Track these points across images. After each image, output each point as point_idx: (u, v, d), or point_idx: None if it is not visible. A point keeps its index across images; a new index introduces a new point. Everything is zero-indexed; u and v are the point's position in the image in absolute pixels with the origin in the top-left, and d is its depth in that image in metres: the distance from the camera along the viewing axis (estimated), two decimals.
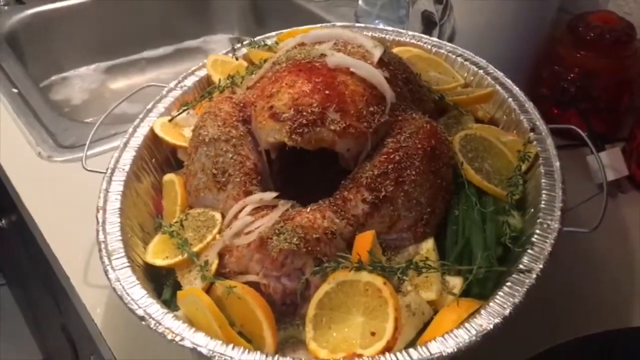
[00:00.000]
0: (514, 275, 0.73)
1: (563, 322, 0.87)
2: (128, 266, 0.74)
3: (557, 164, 0.89)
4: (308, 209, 0.78)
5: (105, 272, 0.74)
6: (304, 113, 0.79)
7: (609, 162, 1.07)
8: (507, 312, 0.68)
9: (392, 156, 0.81)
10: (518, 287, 0.71)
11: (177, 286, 0.78)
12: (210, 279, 0.74)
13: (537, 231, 0.78)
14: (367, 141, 0.82)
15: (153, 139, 0.96)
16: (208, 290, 0.75)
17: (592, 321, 0.87)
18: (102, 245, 0.76)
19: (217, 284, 0.73)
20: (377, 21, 1.59)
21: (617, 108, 1.19)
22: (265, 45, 1.13)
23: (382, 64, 0.88)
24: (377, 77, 0.84)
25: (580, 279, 0.94)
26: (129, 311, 0.69)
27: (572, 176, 0.97)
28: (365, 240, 0.75)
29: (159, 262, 0.79)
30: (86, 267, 0.94)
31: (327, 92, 0.80)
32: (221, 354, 0.64)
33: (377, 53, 0.88)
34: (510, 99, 1.02)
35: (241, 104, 0.89)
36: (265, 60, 0.98)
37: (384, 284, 0.70)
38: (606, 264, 0.96)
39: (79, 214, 0.90)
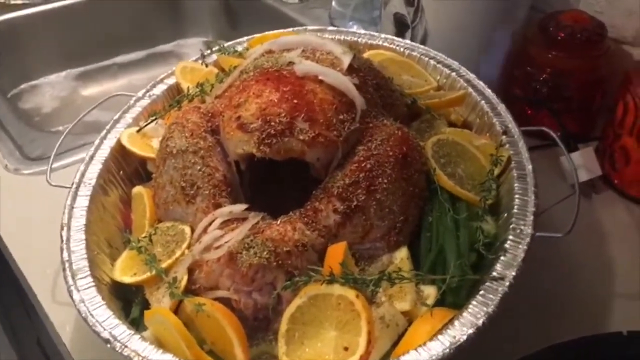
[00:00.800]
0: (487, 284, 0.72)
1: (538, 330, 0.86)
2: (93, 285, 0.72)
3: (530, 167, 0.88)
4: (279, 222, 0.77)
5: (69, 292, 0.71)
6: (272, 123, 0.77)
7: (583, 162, 1.07)
8: (480, 322, 0.67)
9: (363, 164, 0.79)
10: (491, 296, 0.70)
11: (146, 303, 0.76)
12: (178, 296, 0.72)
13: (510, 237, 0.78)
14: (338, 150, 0.80)
15: (120, 150, 0.94)
16: (177, 307, 0.73)
17: (567, 328, 0.86)
18: (67, 265, 0.74)
19: (186, 302, 0.71)
20: (350, 22, 1.58)
21: (590, 107, 1.19)
22: (236, 51, 1.11)
23: (351, 70, 0.87)
24: (346, 84, 0.82)
25: (555, 284, 0.93)
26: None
27: (546, 177, 0.97)
28: (337, 252, 0.74)
29: (127, 279, 0.77)
30: (54, 284, 0.91)
31: (295, 101, 0.79)
32: None
33: (346, 60, 0.87)
34: (482, 102, 1.02)
35: (209, 114, 0.87)
36: (235, 67, 0.96)
37: (356, 296, 0.69)
38: (581, 267, 0.96)
39: (46, 229, 0.88)
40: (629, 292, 0.93)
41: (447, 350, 0.65)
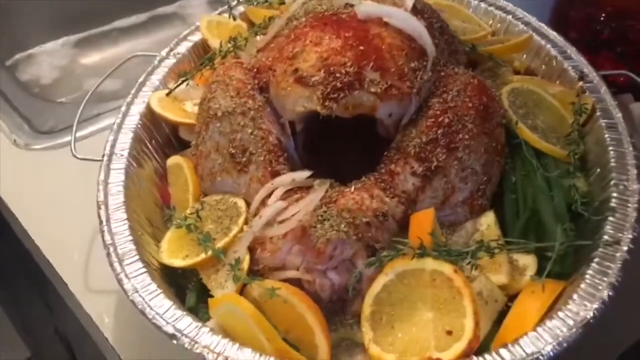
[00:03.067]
0: (600, 250, 0.62)
1: None
2: (145, 272, 0.62)
3: (619, 114, 0.79)
4: (352, 189, 0.66)
5: (119, 280, 0.61)
6: (337, 75, 0.66)
7: None
8: (604, 294, 0.58)
9: (440, 119, 0.69)
10: (609, 263, 0.61)
11: (203, 289, 0.66)
12: (245, 280, 0.62)
13: (614, 194, 0.68)
14: (411, 103, 0.70)
15: (151, 117, 0.83)
16: (241, 292, 0.63)
17: None
18: (111, 249, 0.64)
19: (254, 285, 0.61)
20: None
21: None
22: (266, 1, 0.99)
23: (415, 11, 0.76)
24: (416, 26, 0.71)
25: None
26: (148, 322, 0.58)
27: None
28: (424, 220, 0.64)
29: (178, 262, 0.67)
30: (85, 270, 0.81)
31: (361, 47, 0.68)
32: None
33: None
34: (548, 45, 0.92)
35: (255, 70, 0.75)
36: (270, 19, 0.85)
37: (454, 271, 0.60)
38: None
39: (69, 209, 0.78)
40: None
41: (573, 329, 0.55)
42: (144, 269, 0.63)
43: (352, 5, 0.72)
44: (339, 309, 0.66)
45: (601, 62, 1.08)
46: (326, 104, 0.66)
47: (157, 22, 1.80)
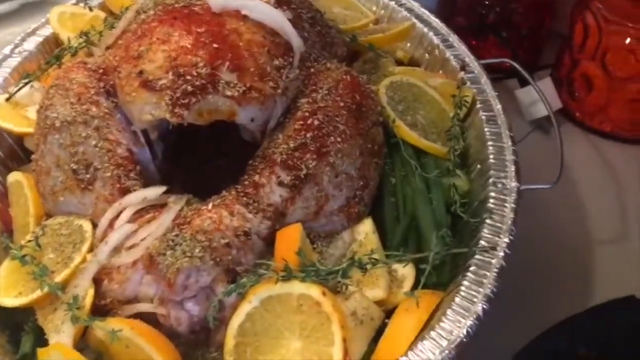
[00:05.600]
0: (477, 256, 0.59)
1: (538, 308, 0.74)
2: None
3: (499, 106, 0.76)
4: (209, 206, 0.59)
5: None
6: (188, 77, 0.59)
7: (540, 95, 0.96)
8: (478, 308, 0.54)
9: (309, 121, 0.63)
10: (485, 272, 0.57)
11: (40, 332, 0.57)
12: (83, 321, 0.54)
13: (492, 193, 0.65)
14: (276, 105, 0.63)
15: None
16: (84, 332, 0.55)
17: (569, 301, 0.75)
18: None
19: (94, 327, 0.53)
20: None
21: (539, 33, 1.07)
22: None
23: (280, 1, 0.69)
24: (279, 19, 0.64)
25: (543, 244, 0.81)
26: None
27: None
28: (290, 237, 0.58)
29: (9, 301, 0.58)
30: None
31: (215, 45, 0.60)
32: None
33: None
34: (430, 33, 0.88)
35: (100, 71, 0.66)
36: (128, 8, 0.75)
37: (322, 294, 0.54)
38: (567, 222, 0.85)
39: None
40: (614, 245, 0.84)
41: (445, 352, 0.51)
42: None
43: None
44: (203, 341, 0.59)
45: (487, 47, 1.06)
46: (176, 110, 0.58)
47: (30, 10, 1.63)
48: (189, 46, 0.60)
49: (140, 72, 0.60)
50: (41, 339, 0.56)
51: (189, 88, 0.58)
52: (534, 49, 1.08)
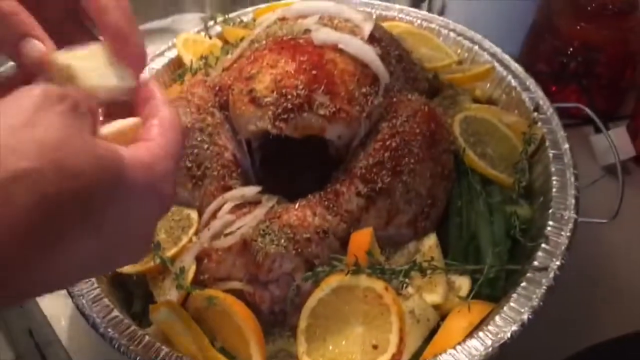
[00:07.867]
0: (528, 274, 0.65)
1: (588, 325, 0.79)
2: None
3: (566, 146, 0.81)
4: (296, 205, 0.69)
5: None
6: (289, 96, 0.69)
7: (615, 143, 1.00)
8: (524, 316, 0.61)
9: (387, 143, 0.72)
10: (534, 288, 0.63)
11: (149, 296, 0.69)
12: (187, 289, 0.65)
13: (550, 222, 0.71)
14: (360, 126, 0.73)
15: None
16: (185, 301, 0.66)
17: (610, 324, 0.79)
18: None
19: (195, 294, 0.64)
20: None
21: (619, 84, 1.11)
22: (242, 22, 1.03)
23: (372, 39, 0.79)
24: (369, 54, 0.74)
25: (597, 275, 0.86)
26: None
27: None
28: (362, 239, 0.67)
29: (127, 268, 0.70)
30: None
31: (313, 72, 0.71)
32: None
33: (367, 27, 0.79)
34: (509, 76, 0.95)
35: (217, 88, 0.79)
36: (242, 39, 0.88)
37: (385, 289, 0.62)
38: (623, 257, 0.88)
39: None
40: None
41: (490, 349, 0.58)
42: None
43: (310, 31, 0.76)
44: (280, 321, 0.68)
45: (567, 94, 1.11)
46: (276, 124, 0.69)
47: (149, 36, 1.82)
48: (292, 71, 0.71)
49: (251, 91, 0.72)
50: (149, 303, 0.68)
51: (289, 106, 0.69)
52: (613, 98, 1.12)
